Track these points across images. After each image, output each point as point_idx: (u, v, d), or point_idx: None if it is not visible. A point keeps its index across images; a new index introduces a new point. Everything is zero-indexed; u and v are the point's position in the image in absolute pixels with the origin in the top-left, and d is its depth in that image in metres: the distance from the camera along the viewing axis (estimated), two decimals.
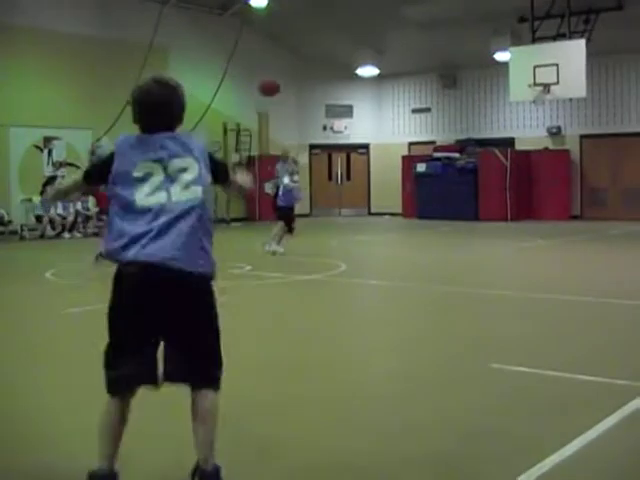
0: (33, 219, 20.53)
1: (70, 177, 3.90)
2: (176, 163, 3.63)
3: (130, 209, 3.56)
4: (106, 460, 3.53)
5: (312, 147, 29.28)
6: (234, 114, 25.98)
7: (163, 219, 3.51)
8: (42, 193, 20.62)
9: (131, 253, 3.48)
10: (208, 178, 3.69)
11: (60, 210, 20.33)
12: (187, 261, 3.50)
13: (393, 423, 4.85)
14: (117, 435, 3.56)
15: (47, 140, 21.50)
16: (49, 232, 20.15)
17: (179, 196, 3.57)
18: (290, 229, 14.82)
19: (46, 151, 21.54)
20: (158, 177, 3.60)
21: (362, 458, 4.25)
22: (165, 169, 3.61)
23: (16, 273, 13.34)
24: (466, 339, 7.42)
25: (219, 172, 3.81)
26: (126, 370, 3.53)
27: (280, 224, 14.76)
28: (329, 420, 4.92)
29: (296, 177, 15.24)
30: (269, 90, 15.49)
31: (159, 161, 3.61)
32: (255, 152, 26.74)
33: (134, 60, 19.46)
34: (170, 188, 3.58)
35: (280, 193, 15.06)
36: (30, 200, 20.66)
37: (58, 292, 10.74)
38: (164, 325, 3.57)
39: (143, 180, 3.59)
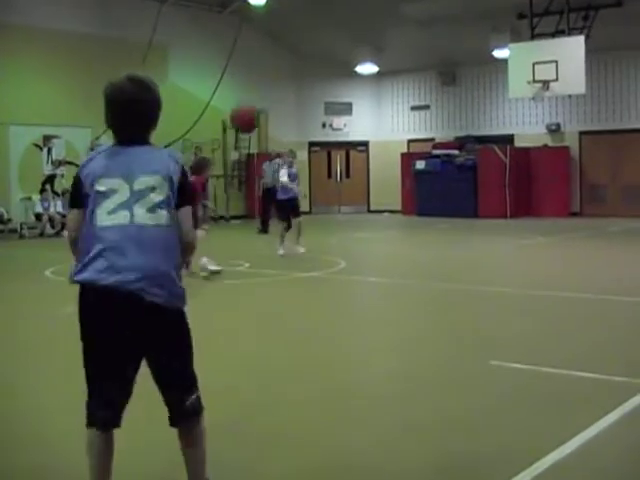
0: (33, 217, 20.54)
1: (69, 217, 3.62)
2: (144, 181, 3.32)
3: (90, 229, 3.30)
4: None
5: (311, 145, 29.26)
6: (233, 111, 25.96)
7: (124, 242, 3.24)
8: (42, 192, 20.66)
9: (88, 274, 3.24)
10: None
11: (60, 208, 20.33)
12: (150, 292, 3.23)
13: (393, 422, 4.85)
14: (106, 467, 3.37)
15: (46, 138, 21.51)
16: (49, 230, 20.17)
17: (143, 219, 3.28)
18: (288, 225, 14.55)
19: (45, 149, 21.54)
20: (122, 194, 3.30)
21: (362, 458, 4.25)
22: (131, 186, 3.31)
23: (16, 271, 13.35)
24: (465, 337, 7.42)
25: (178, 197, 3.41)
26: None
27: (281, 225, 14.64)
28: (329, 420, 4.92)
29: (294, 169, 15.04)
30: (244, 126, 15.47)
31: (124, 177, 3.32)
32: (254, 150, 26.75)
33: (133, 58, 19.48)
34: (134, 208, 3.29)
35: (278, 189, 15.10)
36: (30, 199, 20.68)
37: (57, 290, 10.71)
38: (134, 355, 3.35)
39: (104, 196, 3.30)
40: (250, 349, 7.00)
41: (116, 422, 3.36)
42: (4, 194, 20.54)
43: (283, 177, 14.82)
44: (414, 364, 6.41)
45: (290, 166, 15.05)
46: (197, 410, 3.44)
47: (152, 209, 3.31)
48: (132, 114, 3.41)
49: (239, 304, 9.80)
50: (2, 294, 10.73)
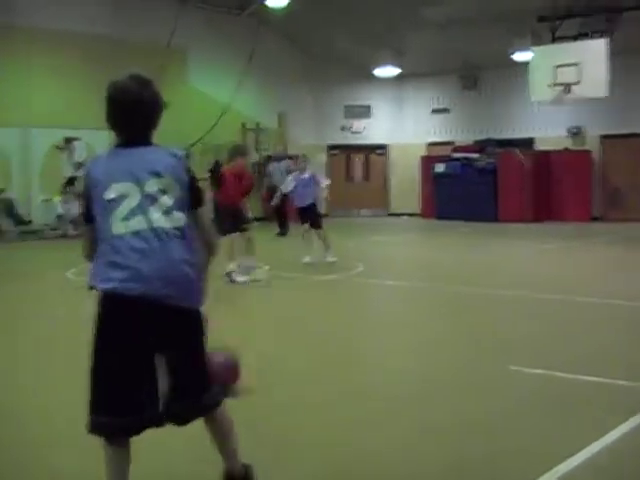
0: (54, 219, 20.68)
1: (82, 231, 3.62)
2: (153, 183, 3.28)
3: (107, 237, 3.25)
4: None
5: (330, 148, 29.28)
6: (253, 114, 26.02)
7: (144, 248, 3.20)
8: (63, 193, 20.77)
9: (111, 285, 3.20)
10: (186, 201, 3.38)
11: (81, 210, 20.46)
12: (175, 296, 3.24)
13: (411, 425, 4.83)
14: (125, 474, 3.36)
15: (67, 141, 21.63)
16: (70, 232, 20.28)
17: (160, 222, 3.25)
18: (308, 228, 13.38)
19: (66, 152, 21.67)
20: (134, 199, 3.25)
21: (379, 460, 4.22)
22: (141, 189, 3.26)
23: (36, 272, 13.43)
24: (484, 340, 7.38)
25: (192, 199, 3.42)
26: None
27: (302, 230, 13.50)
28: (346, 422, 4.89)
29: (306, 175, 13.46)
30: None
31: (134, 181, 3.27)
32: (274, 152, 26.76)
33: (152, 61, 19.49)
34: (149, 212, 3.25)
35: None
36: (51, 200, 20.82)
37: (78, 291, 10.75)
38: (152, 359, 3.31)
39: (117, 203, 3.24)
40: (267, 350, 6.99)
41: (160, 421, 3.35)
42: (26, 196, 20.71)
43: (287, 188, 13.66)
44: (432, 367, 6.38)
45: (302, 173, 13.59)
46: (218, 402, 3.47)
47: (167, 212, 3.28)
48: (136, 114, 3.36)
49: (257, 306, 9.80)
50: (22, 295, 10.79)
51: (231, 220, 11.02)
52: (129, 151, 3.36)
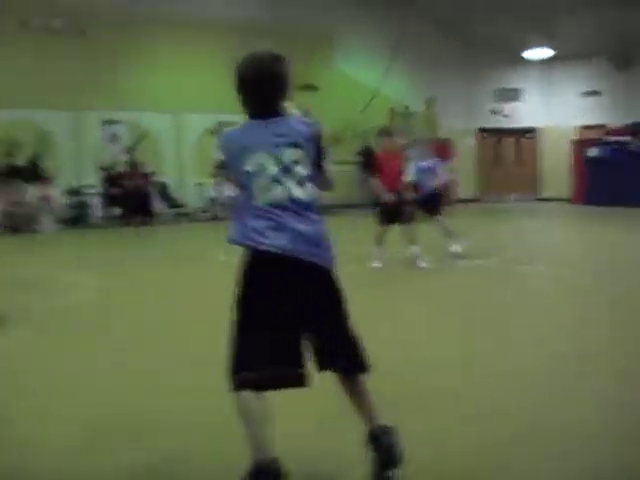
0: (206, 202, 21.34)
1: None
2: (288, 154, 3.40)
3: (249, 205, 3.42)
4: (263, 449, 3.34)
5: (480, 131, 28.87)
6: (402, 98, 25.91)
7: (289, 215, 3.36)
8: (214, 177, 21.39)
9: (262, 241, 3.36)
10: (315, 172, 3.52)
11: (230, 193, 20.98)
12: (321, 257, 3.41)
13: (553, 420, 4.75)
14: (267, 432, 3.38)
15: (221, 125, 22.23)
16: (221, 214, 20.87)
17: (297, 192, 3.39)
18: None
19: (218, 136, 22.29)
20: (272, 169, 3.37)
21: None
22: (278, 160, 3.39)
23: (189, 252, 14.02)
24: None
25: (318, 159, 3.54)
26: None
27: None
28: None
29: (426, 164, 12.69)
30: None
31: (270, 152, 3.38)
32: (418, 137, 26.60)
33: (300, 45, 19.74)
34: (287, 182, 3.38)
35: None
36: (203, 184, 21.48)
37: (228, 270, 11.07)
38: (300, 318, 3.43)
39: (256, 174, 3.38)
40: (414, 339, 7.00)
41: (306, 380, 3.46)
42: (179, 179, 21.45)
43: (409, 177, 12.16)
44: (568, 355, 6.22)
45: (422, 160, 12.85)
46: (366, 365, 3.57)
47: (301, 182, 3.43)
48: (265, 88, 3.47)
49: (401, 291, 9.80)
50: (178, 272, 11.25)
51: (394, 210, 10.90)
52: (261, 122, 3.47)
